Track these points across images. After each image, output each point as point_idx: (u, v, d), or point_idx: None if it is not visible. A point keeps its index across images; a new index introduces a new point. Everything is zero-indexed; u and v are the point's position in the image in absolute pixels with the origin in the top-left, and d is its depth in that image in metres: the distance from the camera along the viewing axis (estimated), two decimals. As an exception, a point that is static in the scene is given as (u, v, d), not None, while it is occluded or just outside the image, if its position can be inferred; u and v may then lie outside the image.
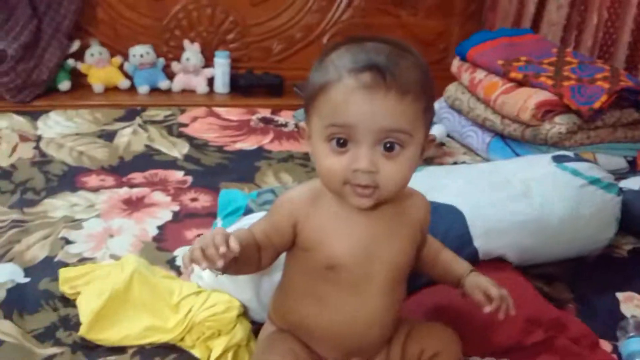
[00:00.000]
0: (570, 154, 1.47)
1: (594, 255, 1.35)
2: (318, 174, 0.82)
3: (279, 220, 0.84)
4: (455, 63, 2.10)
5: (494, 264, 1.17)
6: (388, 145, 0.76)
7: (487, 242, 1.17)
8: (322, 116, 0.77)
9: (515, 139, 1.83)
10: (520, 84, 1.87)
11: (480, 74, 1.98)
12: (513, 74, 1.89)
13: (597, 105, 1.68)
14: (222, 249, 0.73)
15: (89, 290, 1.06)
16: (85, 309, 1.02)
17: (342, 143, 0.76)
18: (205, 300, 1.04)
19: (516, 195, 1.26)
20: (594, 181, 1.33)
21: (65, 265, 1.18)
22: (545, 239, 1.23)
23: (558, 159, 1.41)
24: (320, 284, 0.85)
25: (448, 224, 1.14)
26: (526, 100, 1.77)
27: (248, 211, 1.13)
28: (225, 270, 0.79)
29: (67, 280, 1.10)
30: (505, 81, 1.91)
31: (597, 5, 2.11)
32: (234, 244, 0.75)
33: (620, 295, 1.24)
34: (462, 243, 1.14)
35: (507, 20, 2.46)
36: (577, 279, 1.28)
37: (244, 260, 0.81)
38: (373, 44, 0.77)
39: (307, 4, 2.40)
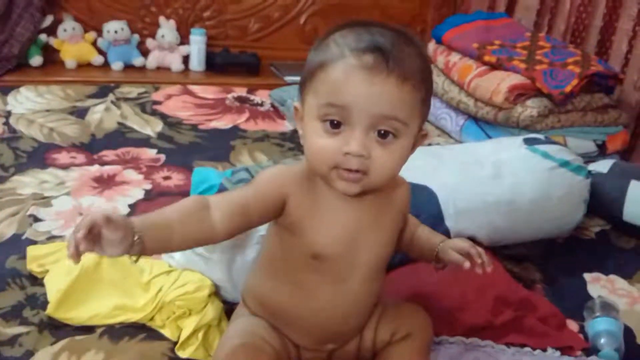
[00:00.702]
0: (540, 136, 1.49)
1: (563, 237, 1.38)
2: (307, 154, 0.79)
3: (268, 191, 0.80)
4: (431, 46, 2.11)
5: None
6: (382, 132, 0.75)
7: (458, 222, 1.19)
8: (319, 94, 0.75)
9: (488, 122, 1.85)
10: (494, 67, 1.89)
11: (454, 57, 1.99)
12: (487, 57, 1.91)
13: (568, 89, 1.71)
14: (81, 233, 0.64)
15: (57, 269, 1.05)
16: (53, 288, 1.01)
17: (336, 124, 0.74)
18: (176, 279, 1.04)
19: (487, 177, 1.28)
20: (564, 164, 1.36)
21: (34, 243, 1.17)
22: (516, 220, 1.25)
23: (529, 142, 1.42)
24: (303, 271, 0.83)
25: (421, 204, 1.15)
26: (499, 84, 1.79)
27: (222, 189, 1.13)
28: (133, 252, 0.69)
29: (35, 259, 1.09)
30: (479, 64, 1.92)
31: (571, -10, 2.12)
32: (87, 221, 0.64)
33: (587, 276, 1.27)
34: (434, 223, 1.15)
35: (482, 4, 2.47)
36: (546, 260, 1.30)
37: (165, 236, 0.72)
38: (378, 28, 0.76)
39: (285, -17, 2.38)
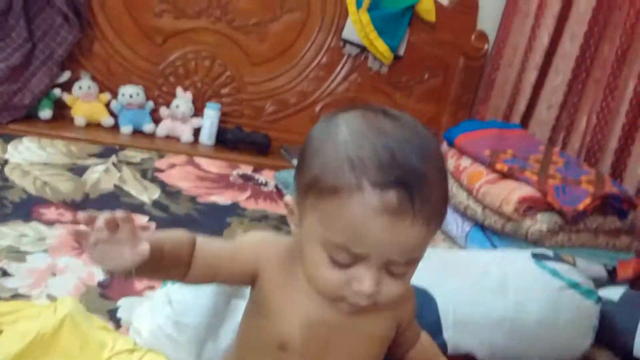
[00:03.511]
0: (550, 252, 1.41)
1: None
2: (305, 274, 0.70)
3: (243, 256, 0.73)
4: (442, 148, 2.08)
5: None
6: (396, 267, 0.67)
7: (457, 336, 1.10)
8: (329, 227, 0.65)
9: (495, 231, 1.78)
10: (505, 176, 1.84)
11: (465, 162, 1.95)
12: (499, 165, 1.87)
13: (581, 207, 1.65)
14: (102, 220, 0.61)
15: (12, 330, 0.96)
16: (4, 351, 0.92)
17: (347, 265, 0.66)
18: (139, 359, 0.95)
19: (492, 289, 1.20)
20: (573, 285, 1.28)
21: (-4, 299, 1.09)
22: (519, 341, 1.16)
23: (537, 257, 1.35)
24: None
25: (418, 309, 1.06)
26: (509, 193, 1.73)
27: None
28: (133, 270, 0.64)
29: (-7, 316, 1.00)
30: (490, 171, 1.88)
31: (587, 110, 2.11)
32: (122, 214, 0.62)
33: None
34: (431, 332, 1.06)
35: (497, 114, 2.47)
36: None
37: (156, 265, 0.67)
38: (396, 132, 0.65)
39: (304, 71, 2.41)
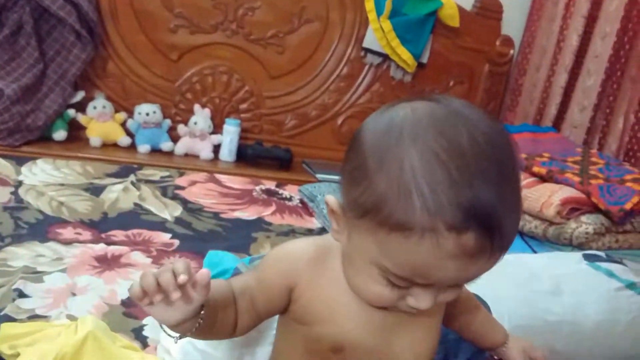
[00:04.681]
0: (601, 253, 1.33)
1: (629, 373, 1.17)
2: (352, 281, 0.63)
3: (271, 279, 0.67)
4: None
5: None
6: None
7: (512, 343, 1.00)
8: (390, 258, 0.57)
9: (535, 238, 1.68)
10: (544, 179, 1.75)
11: (500, 166, 1.86)
12: (536, 169, 1.77)
13: (628, 206, 1.54)
14: (182, 277, 0.56)
15: (30, 353, 0.88)
16: (21, 375, 0.83)
17: (405, 287, 0.60)
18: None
19: (546, 292, 1.11)
20: (630, 285, 1.19)
21: (12, 320, 1.00)
22: (578, 345, 1.06)
23: (589, 258, 1.28)
24: None
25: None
26: (550, 196, 1.64)
27: (236, 274, 0.97)
28: (185, 329, 0.61)
29: (8, 338, 0.92)
30: (528, 175, 1.78)
31: (624, 109, 2.02)
32: (205, 272, 0.58)
33: None
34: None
35: (526, 120, 2.38)
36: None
37: (213, 318, 0.64)
38: (473, 147, 0.54)
39: (325, 83, 2.34)
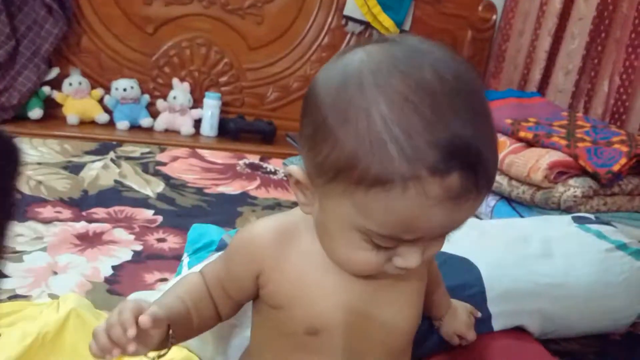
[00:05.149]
0: (590, 216, 1.32)
1: (619, 333, 1.17)
2: (332, 253, 0.60)
3: (236, 268, 0.65)
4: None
5: (513, 334, 0.97)
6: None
7: (504, 306, 0.98)
8: (372, 219, 0.53)
9: (523, 203, 1.67)
10: (530, 144, 1.73)
11: (487, 132, 1.84)
12: (522, 133, 1.76)
13: (616, 168, 1.53)
14: (131, 332, 0.54)
15: (10, 333, 0.84)
16: (2, 356, 0.80)
17: (391, 247, 0.56)
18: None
19: (536, 255, 1.09)
20: (621, 246, 1.18)
21: (-9, 301, 0.97)
22: (571, 307, 1.05)
23: (579, 220, 1.26)
24: (298, 353, 0.64)
25: (461, 279, 0.95)
26: (538, 160, 1.62)
27: (222, 246, 0.94)
28: (162, 348, 0.60)
29: (-12, 319, 0.89)
30: (514, 141, 1.77)
31: (609, 72, 2.00)
32: (146, 320, 0.55)
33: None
34: (475, 304, 0.95)
35: (510, 86, 2.36)
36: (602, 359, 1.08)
37: (187, 323, 0.64)
38: (442, 84, 0.51)
39: (306, 54, 2.29)
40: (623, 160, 1.54)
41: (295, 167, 0.58)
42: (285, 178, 1.84)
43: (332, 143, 0.52)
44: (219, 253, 0.93)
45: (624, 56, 1.92)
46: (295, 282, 0.62)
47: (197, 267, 0.91)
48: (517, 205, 1.69)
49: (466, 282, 0.96)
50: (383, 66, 0.52)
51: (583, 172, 1.58)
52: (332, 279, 0.61)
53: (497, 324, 0.99)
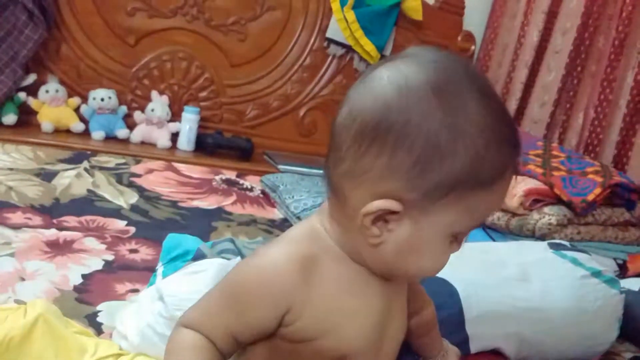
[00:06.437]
0: (566, 242, 1.33)
1: (594, 361, 1.17)
2: (419, 267, 0.60)
3: (257, 313, 0.58)
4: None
5: (490, 357, 0.97)
6: None
7: (482, 329, 0.98)
8: (475, 214, 0.58)
9: (497, 229, 1.68)
10: (507, 171, 1.75)
11: (464, 157, 1.86)
12: (499, 160, 1.77)
13: (590, 197, 1.56)
14: None
15: (-27, 338, 0.81)
16: (-38, 361, 0.77)
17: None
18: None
19: (514, 278, 1.09)
20: (596, 273, 1.19)
21: (-46, 305, 0.93)
22: (547, 332, 1.05)
23: (554, 246, 1.27)
24: None
25: (439, 299, 0.94)
26: (513, 187, 1.64)
27: (198, 256, 0.92)
28: None
29: (-51, 323, 0.84)
30: (490, 167, 1.78)
31: (584, 105, 2.05)
32: None
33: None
34: (452, 325, 0.94)
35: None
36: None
37: None
38: (495, 98, 0.58)
39: (287, 73, 2.30)
40: (597, 190, 1.57)
41: (381, 201, 0.55)
42: (261, 195, 1.82)
43: (451, 159, 0.54)
44: (199, 262, 0.91)
45: (599, 90, 1.97)
46: (327, 312, 0.59)
47: (172, 276, 0.89)
48: (491, 231, 1.70)
49: (444, 302, 0.96)
50: (444, 82, 0.56)
51: (558, 201, 1.60)
52: (358, 302, 0.61)
53: (474, 346, 0.99)
